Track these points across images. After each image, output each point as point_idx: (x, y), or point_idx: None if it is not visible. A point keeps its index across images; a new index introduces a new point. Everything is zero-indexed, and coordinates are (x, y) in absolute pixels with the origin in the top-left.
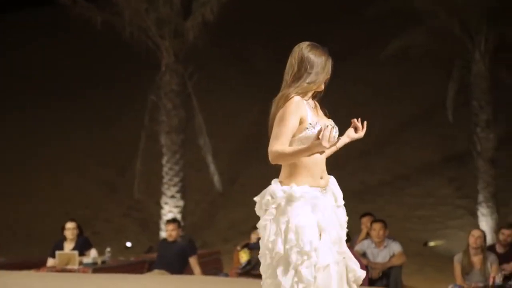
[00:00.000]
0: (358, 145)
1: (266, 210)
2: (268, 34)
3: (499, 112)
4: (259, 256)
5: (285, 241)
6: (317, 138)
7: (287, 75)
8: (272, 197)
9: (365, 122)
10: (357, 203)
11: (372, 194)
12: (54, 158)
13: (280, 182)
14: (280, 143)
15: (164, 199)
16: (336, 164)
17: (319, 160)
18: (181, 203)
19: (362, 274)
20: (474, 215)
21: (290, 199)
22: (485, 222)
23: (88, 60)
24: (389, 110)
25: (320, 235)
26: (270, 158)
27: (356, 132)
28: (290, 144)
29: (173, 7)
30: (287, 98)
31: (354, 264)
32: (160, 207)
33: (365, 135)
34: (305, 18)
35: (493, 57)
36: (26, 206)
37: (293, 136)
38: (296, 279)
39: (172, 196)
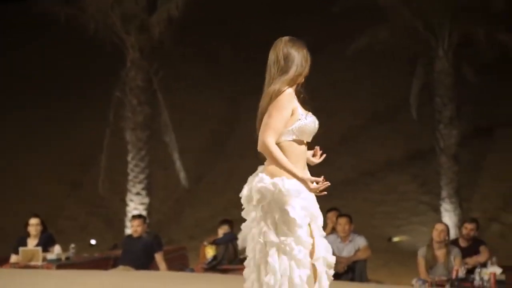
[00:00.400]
0: (323, 142)
1: (255, 205)
2: (234, 31)
3: (461, 109)
4: (246, 251)
5: (279, 233)
6: (312, 182)
7: (273, 69)
8: (263, 193)
9: (324, 155)
10: (323, 199)
11: (338, 190)
12: (15, 156)
13: (269, 171)
14: (274, 134)
15: (129, 196)
16: None
17: (305, 152)
18: (146, 200)
19: (333, 259)
20: (437, 211)
21: (281, 193)
22: (448, 217)
23: (52, 57)
24: (354, 107)
25: (309, 225)
26: (259, 146)
27: (314, 157)
28: (282, 135)
29: (138, 2)
30: (280, 91)
31: (327, 250)
32: (126, 204)
33: (330, 132)
34: (270, 14)
35: (456, 54)
36: None
37: (285, 127)
38: (294, 265)
39: (138, 193)
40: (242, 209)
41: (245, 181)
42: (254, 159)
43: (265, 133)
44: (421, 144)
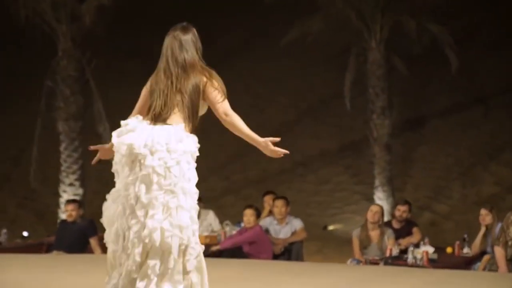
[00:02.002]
0: (260, 134)
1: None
2: (168, 21)
3: (393, 100)
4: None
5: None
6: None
7: (192, 49)
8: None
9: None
10: (260, 190)
11: (274, 181)
12: None
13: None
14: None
15: (62, 187)
16: (240, 153)
17: None
18: (80, 191)
19: None
20: (370, 200)
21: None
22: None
23: None
24: (287, 100)
25: None
26: (229, 119)
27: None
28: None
29: None
30: (211, 71)
31: None
32: (59, 196)
33: (263, 125)
34: (204, 7)
35: (388, 45)
36: None
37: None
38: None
39: (71, 184)
40: None
41: None
42: None
43: (230, 110)
44: (354, 136)
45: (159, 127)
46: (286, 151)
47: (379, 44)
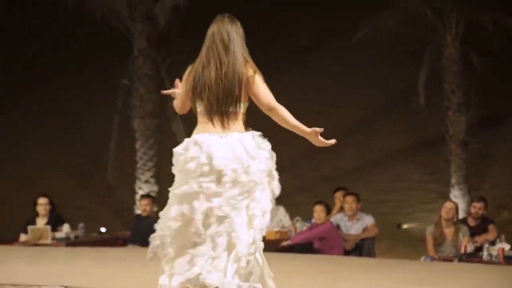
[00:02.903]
0: (331, 132)
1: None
2: (242, 18)
3: (469, 96)
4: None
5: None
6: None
7: (242, 44)
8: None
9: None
10: (333, 188)
11: (345, 179)
12: (23, 147)
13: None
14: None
15: (138, 184)
16: (311, 151)
17: None
18: (155, 188)
19: None
20: (446, 199)
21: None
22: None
23: (60, 47)
24: (361, 97)
25: None
26: (275, 107)
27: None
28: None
29: None
30: (255, 66)
31: None
32: (135, 192)
33: (338, 122)
34: (278, 3)
35: (464, 40)
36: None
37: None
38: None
39: (146, 181)
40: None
41: None
42: None
43: (275, 102)
44: (429, 133)
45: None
46: (334, 141)
47: (455, 40)
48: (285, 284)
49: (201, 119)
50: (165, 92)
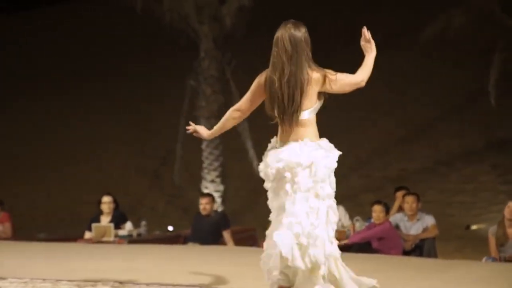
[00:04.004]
0: (399, 133)
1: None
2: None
3: None
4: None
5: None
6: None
7: (307, 49)
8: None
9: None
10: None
11: (413, 180)
12: (96, 148)
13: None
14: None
15: (204, 184)
16: (378, 152)
17: None
18: (221, 187)
19: None
20: None
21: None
22: None
23: (127, 48)
24: (431, 97)
25: None
26: (362, 80)
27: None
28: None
29: None
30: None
31: None
32: (201, 193)
33: (406, 123)
34: (343, 3)
35: None
36: (70, 194)
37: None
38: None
39: (212, 181)
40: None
41: None
42: None
43: (359, 77)
44: (500, 134)
45: None
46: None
47: None
48: None
49: (279, 127)
50: (191, 129)
